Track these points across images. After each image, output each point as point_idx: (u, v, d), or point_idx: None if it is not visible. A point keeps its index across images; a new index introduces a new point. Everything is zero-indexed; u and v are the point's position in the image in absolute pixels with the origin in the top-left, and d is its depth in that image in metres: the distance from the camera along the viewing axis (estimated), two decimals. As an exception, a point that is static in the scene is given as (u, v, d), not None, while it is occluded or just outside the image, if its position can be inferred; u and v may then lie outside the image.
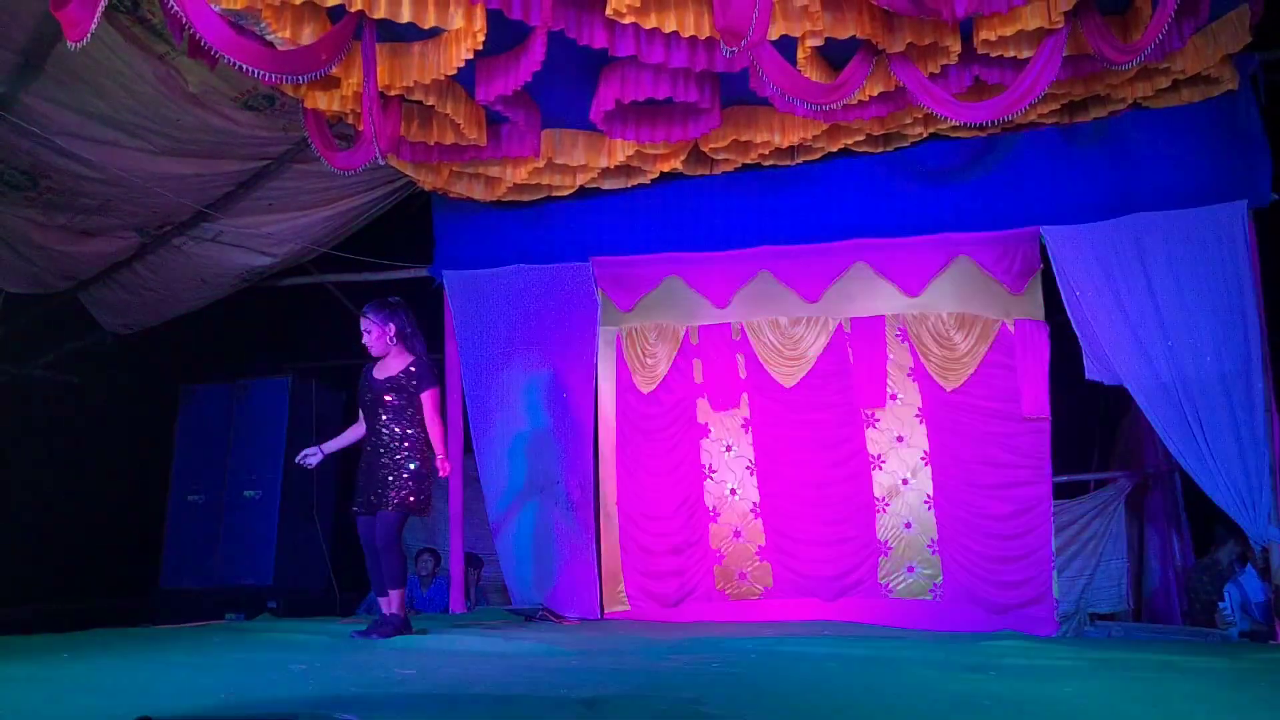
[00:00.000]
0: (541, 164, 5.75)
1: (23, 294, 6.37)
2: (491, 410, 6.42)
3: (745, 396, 6.27)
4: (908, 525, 5.96)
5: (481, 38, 4.28)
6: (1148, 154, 5.59)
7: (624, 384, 6.44)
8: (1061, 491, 6.19)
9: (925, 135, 5.73)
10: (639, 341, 6.44)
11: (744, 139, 5.52)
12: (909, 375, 6.04)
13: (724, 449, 6.32)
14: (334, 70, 4.38)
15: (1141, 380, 5.46)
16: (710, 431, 6.35)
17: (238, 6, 3.93)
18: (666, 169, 5.92)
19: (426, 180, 5.92)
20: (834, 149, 5.78)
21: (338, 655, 3.73)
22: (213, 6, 3.82)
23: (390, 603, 4.39)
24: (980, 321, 5.90)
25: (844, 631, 5.17)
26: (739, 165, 5.98)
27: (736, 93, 5.22)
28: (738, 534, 6.22)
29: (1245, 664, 3.77)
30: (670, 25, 4.31)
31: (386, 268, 7.26)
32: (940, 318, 5.97)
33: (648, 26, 4.31)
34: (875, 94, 4.94)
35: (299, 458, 4.57)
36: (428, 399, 4.48)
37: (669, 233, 6.35)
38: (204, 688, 2.70)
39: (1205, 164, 5.47)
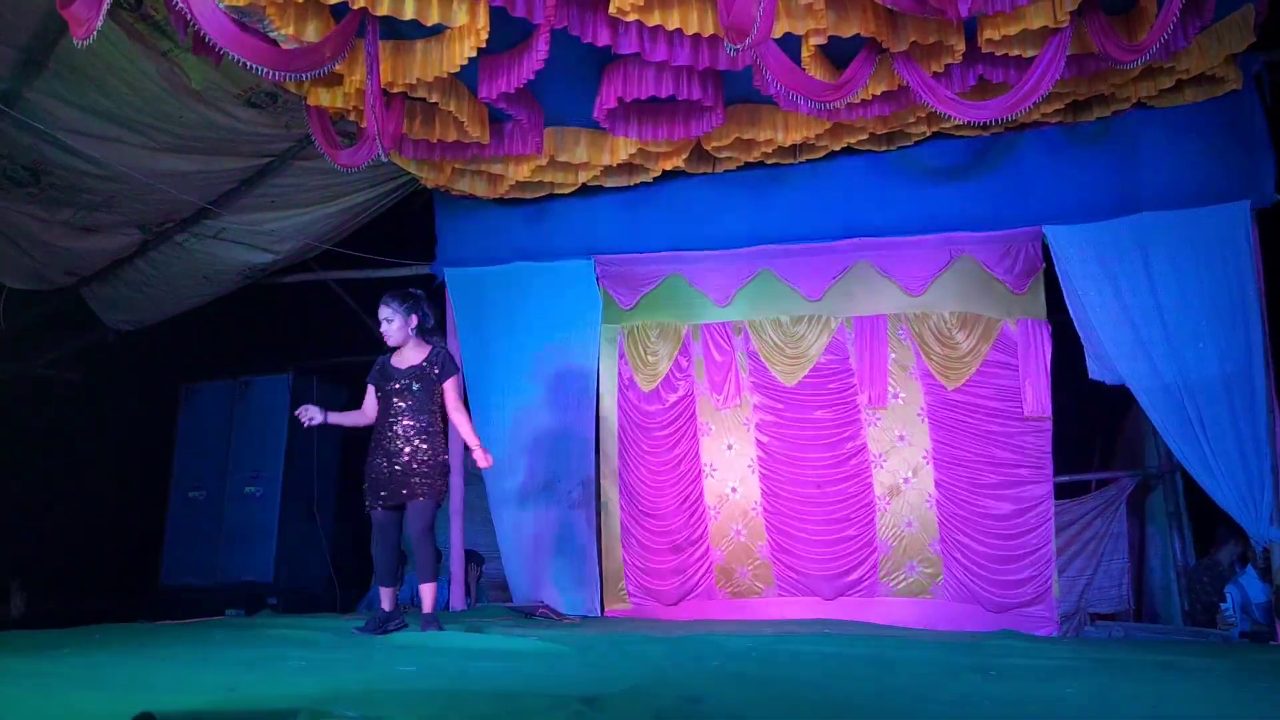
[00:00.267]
0: (544, 161, 5.75)
1: (25, 290, 6.38)
2: (492, 408, 6.42)
3: (747, 395, 6.27)
4: (909, 524, 5.96)
5: (485, 35, 4.28)
6: (1151, 154, 5.59)
7: (625, 382, 6.44)
8: (1063, 491, 6.19)
9: (928, 134, 5.73)
10: (640, 339, 6.44)
11: (747, 137, 5.52)
12: (911, 374, 6.03)
13: (725, 447, 6.32)
14: (337, 67, 4.38)
15: (1143, 380, 5.46)
16: (711, 430, 6.35)
17: (241, 4, 3.93)
18: (669, 167, 5.92)
19: (429, 177, 5.92)
20: (837, 147, 5.78)
21: (338, 652, 3.73)
22: (217, 3, 3.82)
23: (425, 601, 4.28)
24: (982, 321, 5.90)
25: (844, 630, 5.16)
26: (742, 163, 5.98)
27: (739, 91, 5.22)
28: (738, 532, 6.22)
29: (1246, 664, 3.76)
30: (674, 23, 4.31)
31: (388, 265, 7.27)
32: (942, 317, 5.96)
33: (651, 24, 4.31)
34: (879, 92, 4.94)
35: (299, 411, 4.32)
36: (451, 387, 4.38)
37: (671, 231, 6.34)
38: (204, 684, 2.71)
39: (1209, 164, 5.46)
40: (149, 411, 7.89)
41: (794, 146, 5.77)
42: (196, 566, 7.63)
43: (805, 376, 6.13)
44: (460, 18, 4.24)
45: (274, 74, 4.06)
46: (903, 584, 5.95)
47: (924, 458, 5.98)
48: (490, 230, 6.58)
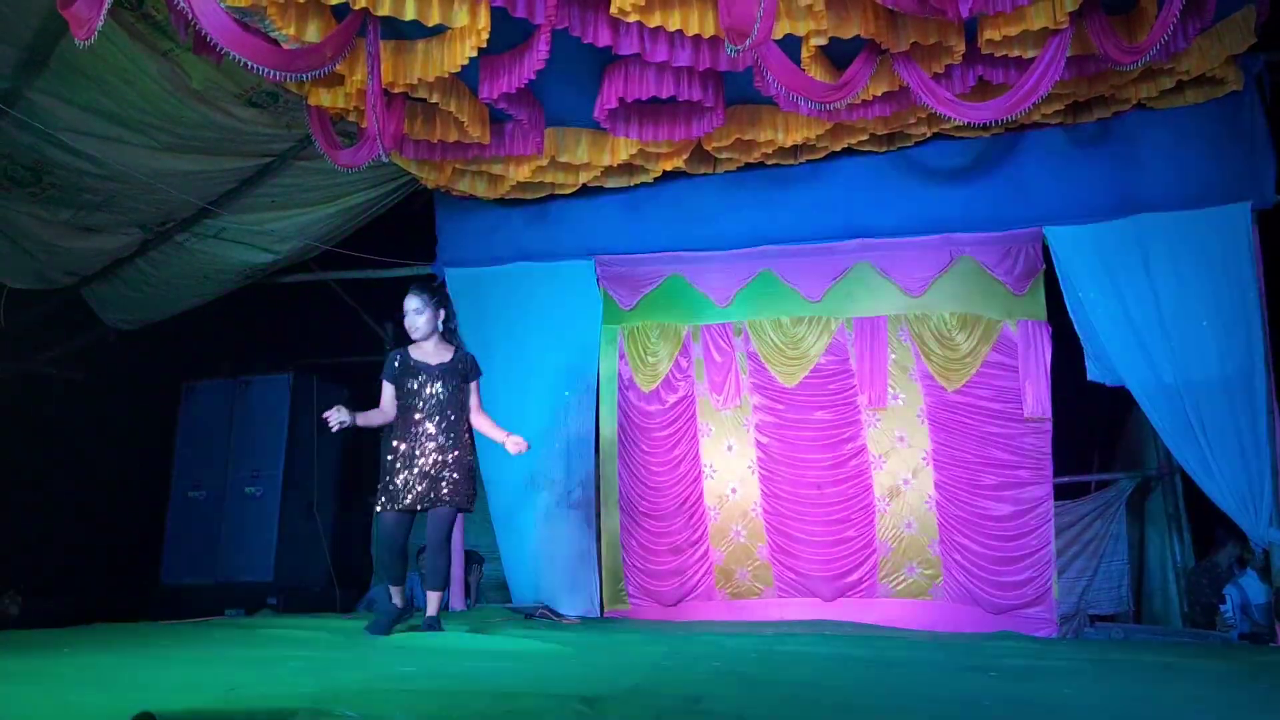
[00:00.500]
0: (544, 162, 5.75)
1: (25, 290, 6.39)
2: (492, 408, 6.38)
3: (746, 396, 6.27)
4: (908, 525, 5.96)
5: (485, 35, 4.28)
6: (1151, 155, 5.59)
7: (625, 382, 6.44)
8: (1062, 492, 6.19)
9: (929, 135, 5.73)
10: (640, 340, 6.44)
11: (747, 138, 5.52)
12: (911, 375, 6.03)
13: (725, 448, 6.32)
14: (338, 67, 4.38)
15: (1143, 381, 5.46)
16: (711, 431, 6.35)
17: (243, 3, 3.93)
18: (669, 167, 5.93)
19: (429, 178, 5.92)
20: (837, 148, 5.78)
21: (338, 651, 3.73)
22: (219, 3, 3.83)
23: (430, 605, 4.16)
24: (982, 322, 5.90)
25: (844, 631, 5.16)
26: (742, 164, 5.98)
27: (740, 92, 5.22)
28: (738, 533, 6.22)
29: (1245, 666, 3.76)
30: (674, 24, 4.31)
31: (389, 265, 7.27)
32: (942, 318, 5.96)
33: (652, 25, 4.31)
34: (879, 93, 4.94)
35: (328, 414, 4.04)
36: (476, 389, 4.30)
37: (671, 231, 6.35)
38: (204, 683, 2.71)
39: (1209, 165, 5.47)
40: (149, 410, 7.90)
41: (794, 147, 5.77)
42: (196, 566, 7.63)
43: (805, 377, 6.13)
44: (461, 18, 4.24)
45: (275, 74, 4.06)
46: (902, 585, 5.95)
47: (924, 459, 5.98)
48: (491, 231, 6.58)
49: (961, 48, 4.62)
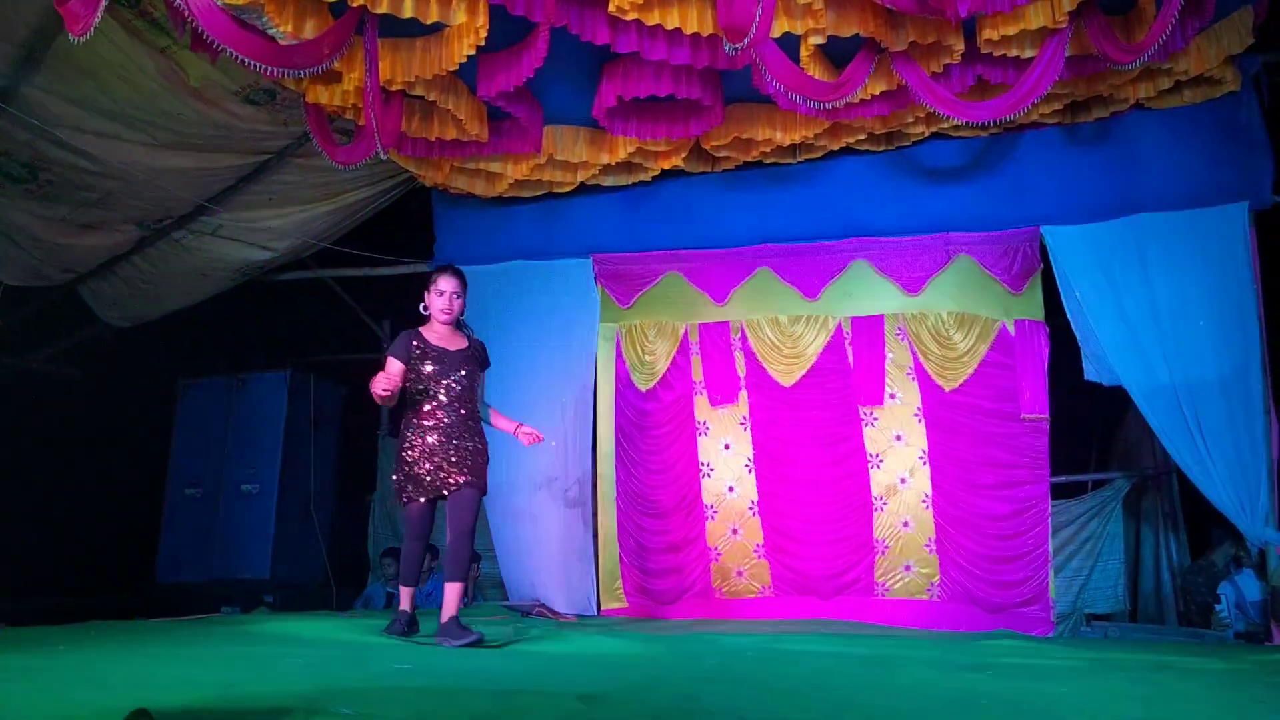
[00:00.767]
0: (543, 160, 5.74)
1: (22, 287, 6.37)
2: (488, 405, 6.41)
3: (744, 394, 6.27)
4: (905, 524, 5.96)
5: (484, 33, 4.28)
6: (1149, 155, 5.60)
7: (623, 381, 6.43)
8: (1059, 492, 6.19)
9: (927, 134, 5.73)
10: (638, 338, 6.44)
11: (745, 136, 5.52)
12: (908, 374, 6.03)
13: (722, 447, 6.32)
14: (336, 65, 4.37)
15: (1140, 381, 5.47)
16: (709, 429, 6.35)
17: (240, 1, 3.92)
18: (668, 166, 5.93)
19: (427, 176, 5.92)
20: (835, 147, 5.79)
21: (335, 649, 3.72)
22: (215, 0, 3.82)
23: (451, 600, 3.86)
24: (980, 321, 5.90)
25: (840, 630, 5.17)
26: (740, 163, 5.98)
27: (738, 90, 5.22)
28: (735, 532, 6.22)
29: (1241, 665, 3.77)
30: (673, 22, 4.31)
31: (386, 263, 7.26)
32: (940, 317, 5.97)
33: (650, 23, 4.31)
34: (877, 92, 4.94)
35: (376, 381, 3.78)
36: (484, 377, 4.21)
37: (669, 230, 6.35)
38: (200, 681, 2.70)
39: (1207, 165, 5.47)
40: (145, 408, 7.88)
41: (793, 146, 5.78)
42: (193, 563, 7.62)
43: (803, 376, 6.13)
44: (459, 16, 4.23)
45: (272, 71, 4.06)
46: (899, 584, 5.95)
47: (921, 458, 5.98)
48: (488, 229, 6.58)
49: (960, 47, 4.62)
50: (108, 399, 7.42)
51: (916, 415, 6.01)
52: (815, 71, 4.69)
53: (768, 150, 5.75)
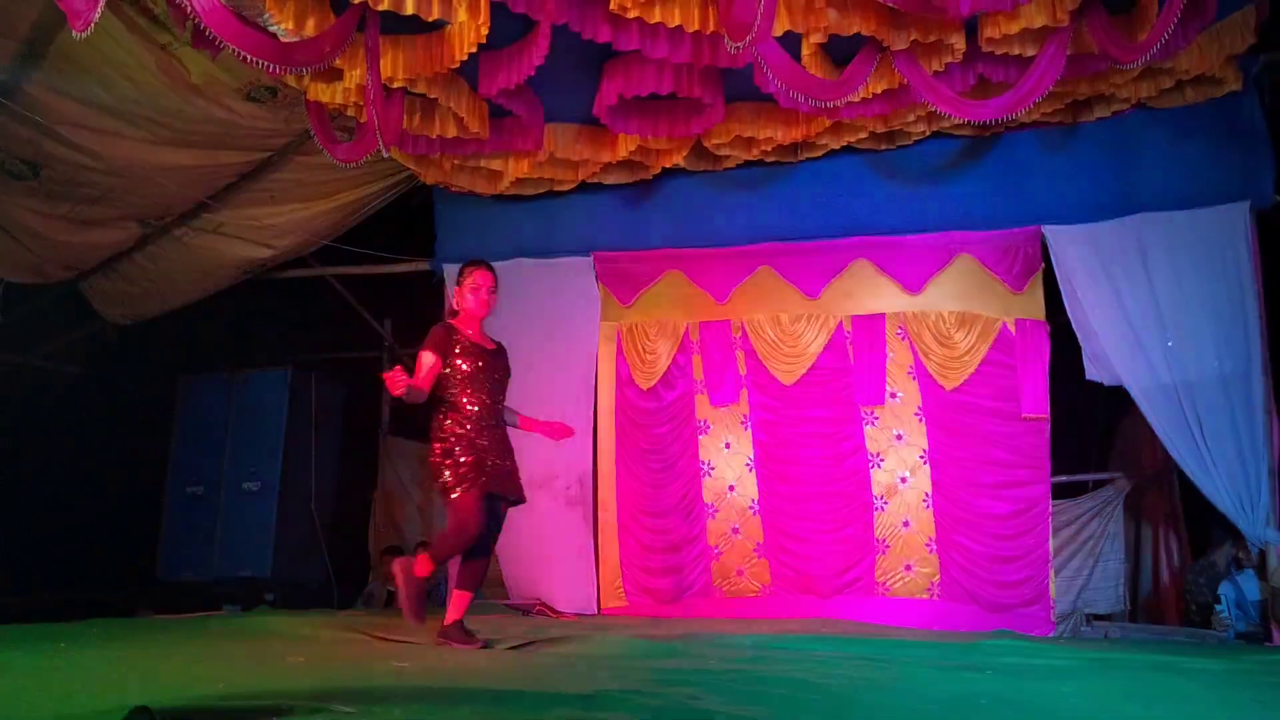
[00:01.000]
0: (543, 158, 5.74)
1: (23, 284, 6.37)
2: (491, 404, 6.41)
3: (745, 393, 6.27)
4: (906, 524, 5.96)
5: (485, 31, 4.27)
6: (1151, 154, 5.59)
7: (623, 379, 6.43)
8: (1060, 491, 6.19)
9: (928, 133, 5.72)
10: (639, 337, 6.43)
11: (747, 135, 5.51)
12: (909, 373, 6.03)
13: (723, 446, 6.32)
14: (337, 62, 4.38)
15: (1141, 381, 5.46)
16: (709, 428, 6.34)
17: (241, -3, 3.92)
18: (669, 164, 5.92)
19: (428, 173, 5.91)
20: (837, 146, 5.78)
21: (335, 647, 3.73)
22: (217, -3, 3.82)
23: (460, 607, 3.82)
24: (981, 320, 5.90)
25: (841, 629, 5.16)
26: (742, 161, 5.97)
27: (740, 88, 5.21)
28: (736, 531, 6.21)
29: (1241, 665, 3.77)
30: (674, 20, 4.30)
31: (388, 261, 7.27)
32: (941, 316, 5.96)
33: (651, 21, 4.30)
34: (879, 91, 4.93)
35: (390, 374, 3.56)
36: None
37: (670, 228, 6.34)
38: (201, 678, 2.70)
39: (1208, 164, 5.47)
40: (146, 405, 7.88)
41: (794, 145, 5.77)
42: (194, 561, 7.63)
43: (804, 375, 6.13)
44: (461, 13, 4.23)
45: (274, 68, 4.06)
46: (900, 584, 5.95)
47: (921, 457, 5.98)
48: (489, 226, 6.57)
49: (962, 46, 4.61)
50: (109, 396, 7.42)
51: (917, 414, 6.01)
52: (817, 70, 4.68)
53: (769, 149, 5.75)
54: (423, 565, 3.73)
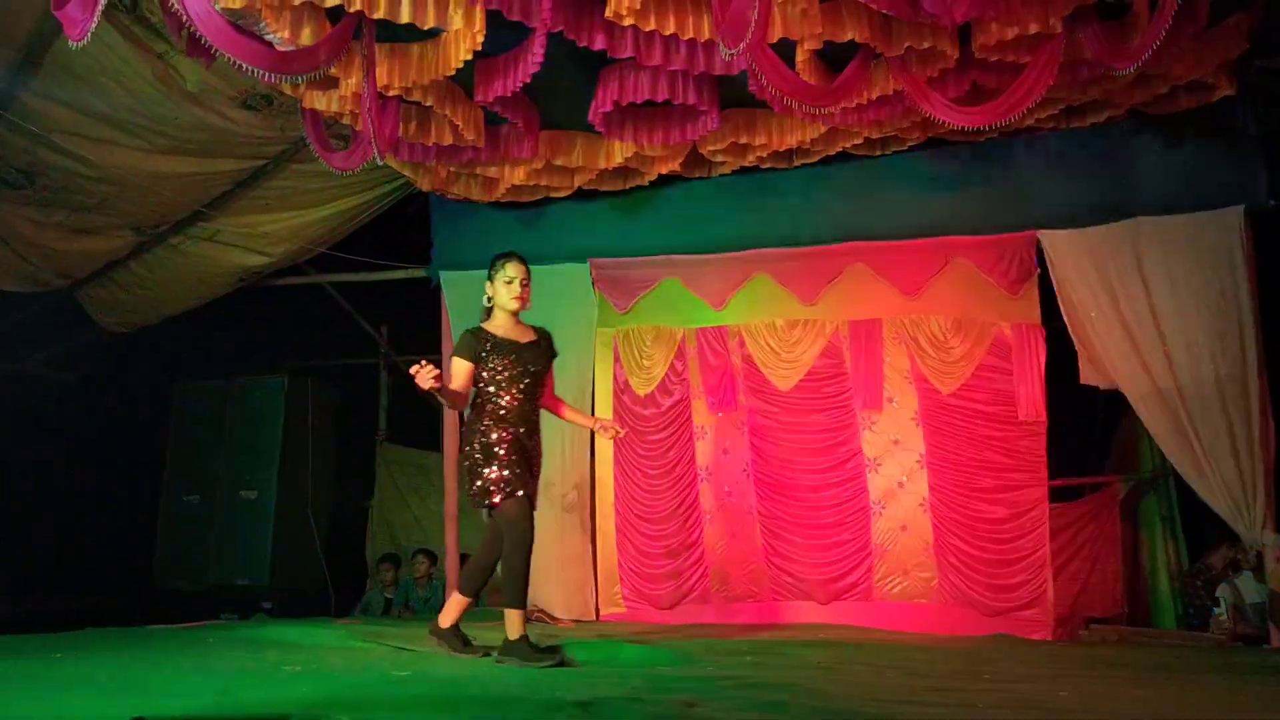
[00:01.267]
0: (540, 165, 5.74)
1: (18, 292, 6.37)
2: (488, 411, 6.40)
3: (742, 399, 6.27)
4: (903, 528, 5.96)
5: (481, 38, 4.27)
6: (1145, 159, 5.60)
7: (620, 385, 6.43)
8: (1057, 495, 6.19)
9: (923, 139, 5.73)
10: (636, 343, 6.44)
11: (742, 141, 5.52)
12: (906, 378, 6.04)
13: (720, 451, 6.32)
14: (333, 70, 4.37)
15: (1137, 385, 5.47)
16: (707, 434, 6.35)
17: (237, 6, 3.92)
18: (665, 171, 5.92)
19: (424, 181, 5.92)
20: (832, 152, 5.78)
21: (332, 656, 3.72)
22: (213, 5, 3.82)
23: (518, 624, 3.65)
24: (977, 325, 5.91)
25: (839, 635, 5.17)
26: (737, 168, 5.98)
27: (735, 95, 5.22)
28: (733, 537, 6.21)
29: (1239, 668, 3.77)
30: (670, 27, 4.31)
31: (384, 268, 7.27)
32: (937, 321, 5.97)
33: (647, 28, 4.30)
34: (874, 97, 4.94)
35: (416, 369, 3.47)
36: (553, 371, 4.00)
37: (667, 234, 6.34)
38: (197, 688, 2.70)
39: (1202, 169, 5.48)
40: (142, 413, 7.88)
41: (789, 151, 5.77)
42: (190, 569, 7.61)
43: (800, 381, 6.13)
44: (456, 21, 4.23)
45: (269, 76, 4.06)
46: (897, 588, 5.95)
47: (919, 462, 5.98)
48: (486, 234, 6.57)
49: (955, 52, 4.62)
50: (104, 403, 7.42)
51: (914, 419, 6.01)
52: (811, 77, 4.69)
53: (764, 155, 5.75)
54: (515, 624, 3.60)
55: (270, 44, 4.16)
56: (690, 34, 4.35)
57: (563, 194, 6.19)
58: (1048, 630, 5.57)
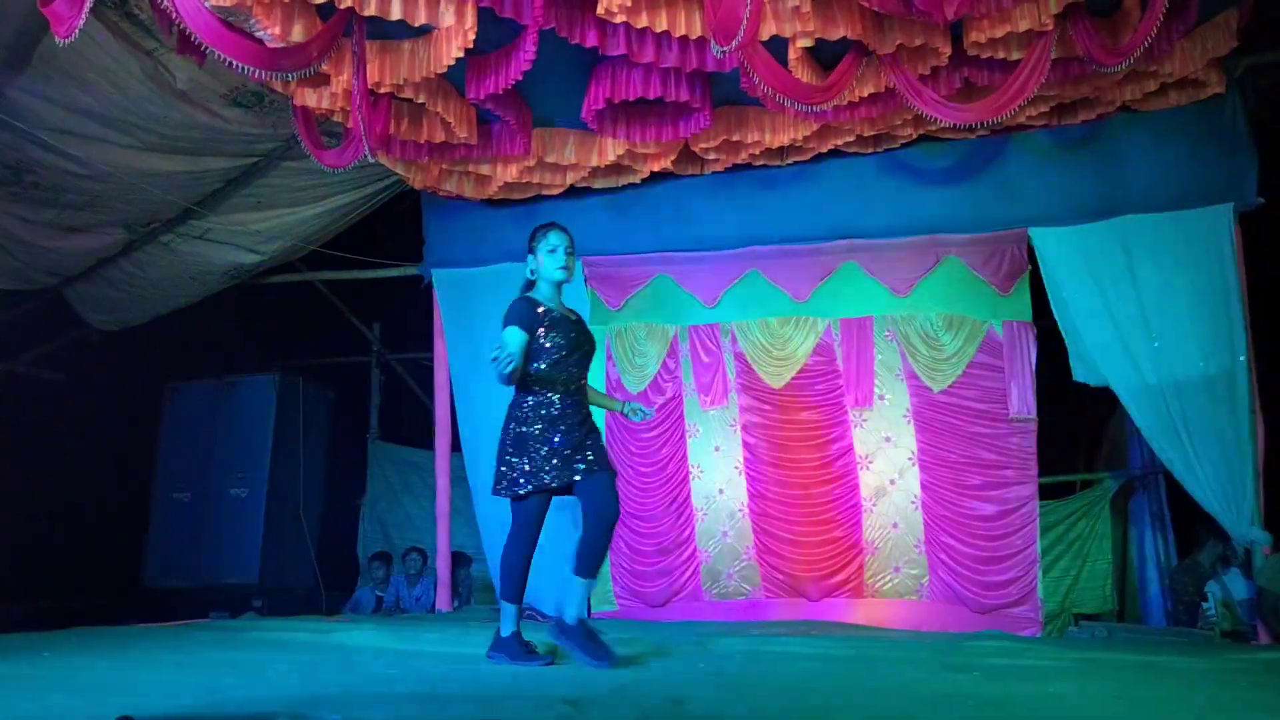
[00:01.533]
0: (532, 163, 5.74)
1: (7, 290, 6.33)
2: (479, 408, 6.40)
3: (734, 396, 6.27)
4: (895, 525, 5.97)
5: (472, 36, 4.27)
6: (1135, 156, 5.62)
7: (613, 383, 6.43)
8: (1047, 492, 6.22)
9: (915, 136, 5.74)
10: (628, 341, 6.43)
11: (734, 139, 5.52)
12: (897, 376, 6.05)
13: (712, 449, 6.32)
14: (324, 67, 4.36)
15: (1127, 382, 5.50)
16: (699, 431, 6.34)
17: (228, 3, 3.90)
18: (657, 168, 5.92)
19: (416, 178, 5.90)
20: (824, 149, 5.79)
21: (321, 655, 3.71)
22: (203, 2, 3.80)
23: (579, 597, 3.55)
24: (968, 322, 5.92)
25: (830, 631, 5.18)
26: (729, 165, 5.98)
27: (727, 92, 5.23)
28: (725, 534, 6.22)
29: (1227, 664, 3.79)
30: (661, 25, 4.31)
31: (376, 265, 7.25)
32: (928, 318, 5.98)
33: (639, 26, 4.30)
34: (865, 95, 4.95)
35: (500, 352, 3.30)
36: None
37: (659, 232, 6.34)
38: (185, 686, 2.69)
39: (1192, 167, 5.51)
40: (132, 411, 7.84)
41: (781, 148, 5.78)
42: (180, 568, 7.59)
43: (792, 378, 6.14)
44: (448, 18, 4.23)
45: (260, 73, 4.04)
46: (888, 585, 5.96)
47: (910, 459, 5.99)
48: (478, 231, 6.56)
49: (947, 50, 4.63)
50: (94, 402, 7.38)
51: (905, 416, 6.02)
52: (803, 74, 4.69)
53: (757, 152, 5.76)
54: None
55: (261, 41, 4.14)
56: (682, 31, 4.35)
57: (555, 191, 6.18)
58: (1038, 627, 5.59)
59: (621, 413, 3.85)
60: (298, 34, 4.16)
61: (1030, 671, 3.41)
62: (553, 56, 4.65)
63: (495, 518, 6.33)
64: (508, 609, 3.61)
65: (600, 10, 4.17)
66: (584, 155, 5.71)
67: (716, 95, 5.26)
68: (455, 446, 6.56)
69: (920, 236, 5.97)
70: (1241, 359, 5.25)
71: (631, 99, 5.05)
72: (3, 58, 4.50)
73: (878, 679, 3.20)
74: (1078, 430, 7.25)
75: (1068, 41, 4.63)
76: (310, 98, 4.80)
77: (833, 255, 6.13)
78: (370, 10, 4.05)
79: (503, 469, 3.55)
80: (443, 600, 6.36)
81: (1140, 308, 5.47)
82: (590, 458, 3.48)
